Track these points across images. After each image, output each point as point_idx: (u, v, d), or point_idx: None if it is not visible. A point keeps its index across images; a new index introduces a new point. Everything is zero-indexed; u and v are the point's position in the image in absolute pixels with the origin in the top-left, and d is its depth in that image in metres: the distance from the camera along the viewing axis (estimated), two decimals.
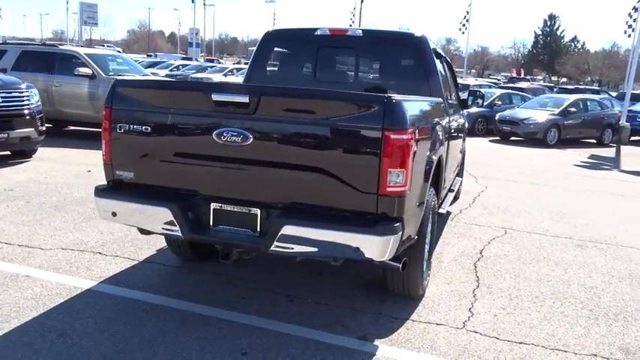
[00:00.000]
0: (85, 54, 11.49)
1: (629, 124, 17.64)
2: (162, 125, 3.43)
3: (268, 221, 3.29)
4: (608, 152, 15.66)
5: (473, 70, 76.68)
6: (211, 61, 49.10)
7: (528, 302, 4.25)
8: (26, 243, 4.97)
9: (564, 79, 72.77)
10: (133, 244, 5.10)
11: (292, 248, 3.19)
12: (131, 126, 3.46)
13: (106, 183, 3.71)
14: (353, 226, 3.07)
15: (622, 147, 16.67)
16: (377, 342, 3.48)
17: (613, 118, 17.47)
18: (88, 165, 8.63)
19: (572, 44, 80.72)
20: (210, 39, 80.00)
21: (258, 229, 3.33)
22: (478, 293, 4.35)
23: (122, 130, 3.49)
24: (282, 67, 5.39)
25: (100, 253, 4.82)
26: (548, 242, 5.91)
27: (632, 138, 17.97)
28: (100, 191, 3.61)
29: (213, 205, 3.41)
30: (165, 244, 5.07)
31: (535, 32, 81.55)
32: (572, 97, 17.59)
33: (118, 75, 11.51)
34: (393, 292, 4.08)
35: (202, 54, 63.24)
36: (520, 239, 5.96)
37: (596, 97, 20.42)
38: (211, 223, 3.43)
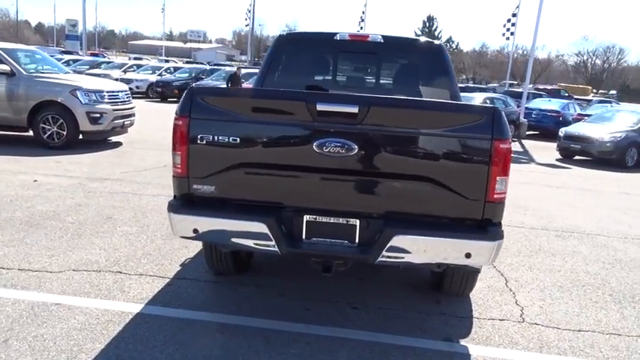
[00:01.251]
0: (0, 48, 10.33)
1: (526, 120, 19.42)
2: (253, 136, 3.27)
3: (369, 231, 3.28)
4: (514, 147, 17.09)
5: None
6: (96, 55, 46.11)
7: (558, 292, 4.61)
8: (26, 266, 4.45)
9: None
10: (149, 260, 4.76)
11: (402, 258, 3.20)
12: (215, 137, 3.25)
13: (175, 197, 3.44)
14: (466, 233, 3.17)
15: (523, 141, 18.33)
16: (463, 342, 3.61)
17: (514, 115, 19.06)
18: (25, 173, 7.83)
19: (448, 44, 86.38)
20: (91, 30, 74.64)
21: (357, 240, 3.31)
22: (512, 287, 4.64)
23: (204, 142, 3.26)
24: (300, 72, 5.28)
25: (121, 273, 4.45)
26: (531, 234, 6.41)
27: (527, 132, 19.79)
28: (177, 207, 3.35)
29: (306, 217, 3.32)
30: (183, 258, 4.83)
31: (415, 32, 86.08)
32: (481, 96, 18.92)
33: (40, 72, 10.50)
34: (447, 292, 4.22)
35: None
36: (506, 232, 6.35)
37: (499, 95, 22.06)
38: (304, 236, 3.33)
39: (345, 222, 3.30)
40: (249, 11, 44.33)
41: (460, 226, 3.23)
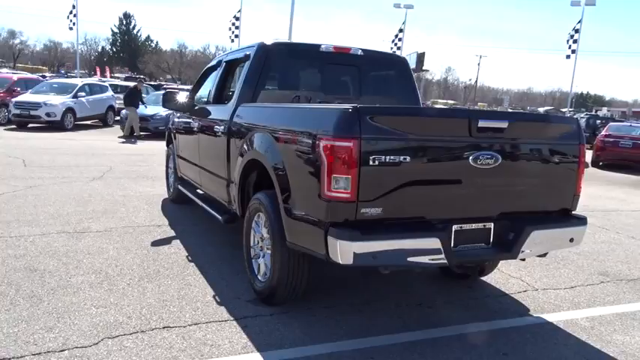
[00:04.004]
0: None
1: None
2: (418, 154, 3.29)
3: (500, 232, 3.65)
4: None
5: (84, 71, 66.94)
6: None
7: (522, 263, 5.59)
8: (36, 349, 3.36)
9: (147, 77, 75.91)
10: (177, 307, 4.08)
11: (530, 251, 3.68)
12: (385, 157, 3.17)
13: (335, 225, 3.20)
14: (571, 222, 3.83)
15: None
16: (535, 314, 4.28)
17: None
18: None
19: (147, 43, 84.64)
20: None
21: (490, 242, 3.65)
22: (512, 266, 5.44)
23: (376, 163, 3.15)
24: (288, 83, 5.08)
25: (170, 327, 3.74)
26: None
27: None
28: (352, 235, 3.13)
29: (454, 227, 3.50)
30: (207, 297, 4.27)
31: (112, 30, 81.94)
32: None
33: None
34: (476, 276, 4.82)
35: None
36: None
37: None
38: (452, 245, 3.51)
39: (482, 226, 3.61)
40: None
41: (561, 217, 3.88)
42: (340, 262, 3.21)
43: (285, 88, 5.02)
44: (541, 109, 61.51)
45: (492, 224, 3.65)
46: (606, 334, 4.01)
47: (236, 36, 34.82)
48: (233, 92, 5.71)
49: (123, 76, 54.63)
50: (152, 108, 18.01)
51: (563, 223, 3.84)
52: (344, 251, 3.16)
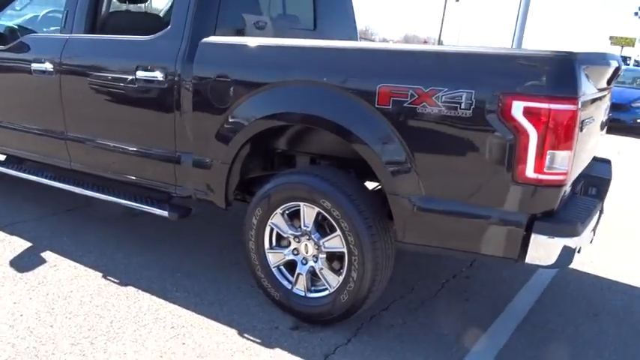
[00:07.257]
0: None
1: None
2: (587, 113, 2.60)
3: None
4: None
5: None
6: None
7: None
8: None
9: None
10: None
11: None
12: (586, 120, 2.53)
13: (537, 217, 2.36)
14: None
15: None
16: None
17: None
18: None
19: None
20: None
21: None
22: None
23: (583, 130, 2.47)
24: (245, 7, 3.42)
25: None
26: None
27: None
28: (570, 228, 2.38)
29: None
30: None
31: None
32: None
33: None
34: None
35: None
36: None
37: None
38: None
39: None
40: None
41: None
42: (540, 264, 2.43)
43: (243, 10, 3.44)
44: None
45: None
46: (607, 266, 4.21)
47: None
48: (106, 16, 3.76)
49: None
50: None
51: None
52: (554, 250, 2.38)
